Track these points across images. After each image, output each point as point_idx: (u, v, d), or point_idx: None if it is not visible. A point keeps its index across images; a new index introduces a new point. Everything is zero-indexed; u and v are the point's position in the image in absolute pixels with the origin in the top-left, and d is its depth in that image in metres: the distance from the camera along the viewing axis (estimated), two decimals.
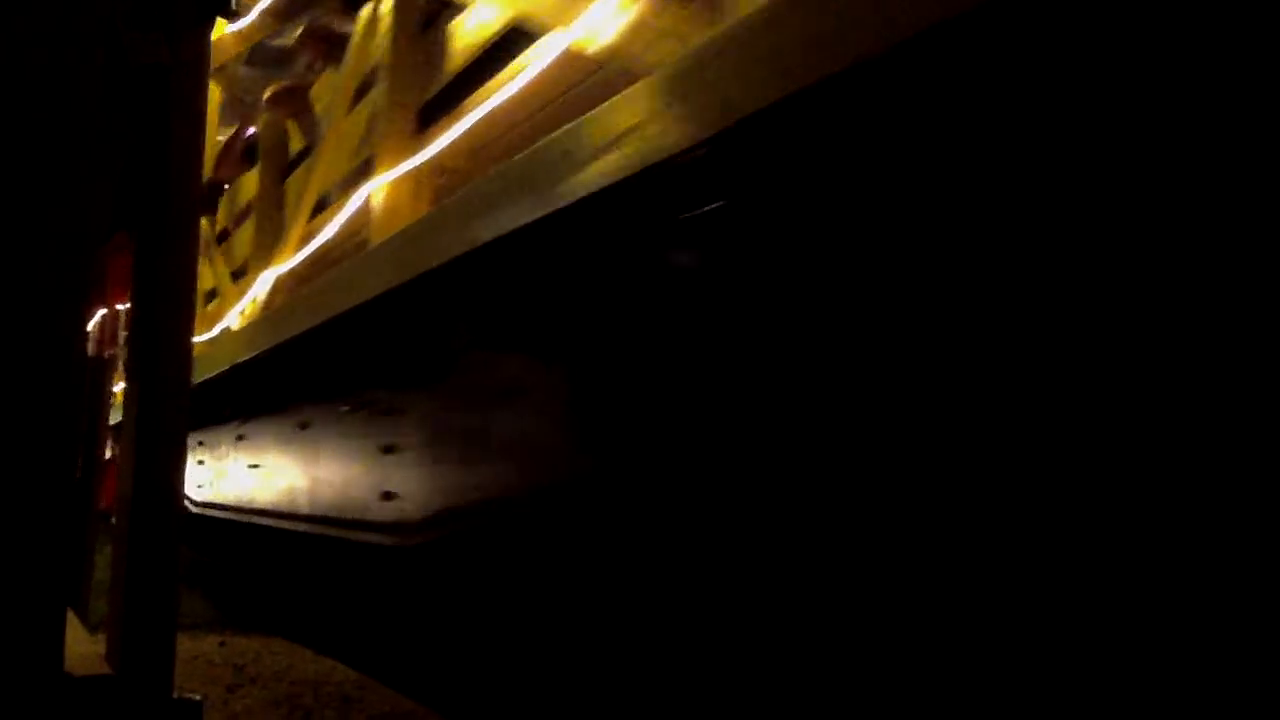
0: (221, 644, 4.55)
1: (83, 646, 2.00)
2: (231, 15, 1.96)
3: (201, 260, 5.68)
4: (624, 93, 1.82)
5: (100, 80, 1.58)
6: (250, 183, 5.66)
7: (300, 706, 3.44)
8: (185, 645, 4.44)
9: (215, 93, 6.80)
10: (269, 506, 4.24)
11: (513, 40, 2.96)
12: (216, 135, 6.98)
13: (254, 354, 4.21)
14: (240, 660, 4.20)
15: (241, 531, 5.01)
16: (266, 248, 4.92)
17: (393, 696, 3.60)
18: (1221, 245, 1.26)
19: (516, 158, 2.16)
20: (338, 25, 4.72)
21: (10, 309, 1.40)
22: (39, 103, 1.53)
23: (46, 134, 1.52)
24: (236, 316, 5.22)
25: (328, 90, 4.33)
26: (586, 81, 2.60)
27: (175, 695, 1.69)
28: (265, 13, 5.48)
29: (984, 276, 1.47)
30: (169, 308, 1.82)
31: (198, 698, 1.70)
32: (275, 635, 4.80)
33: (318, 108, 4.54)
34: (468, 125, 2.88)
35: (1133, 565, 1.41)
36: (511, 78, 2.81)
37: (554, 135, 1.98)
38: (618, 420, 1.98)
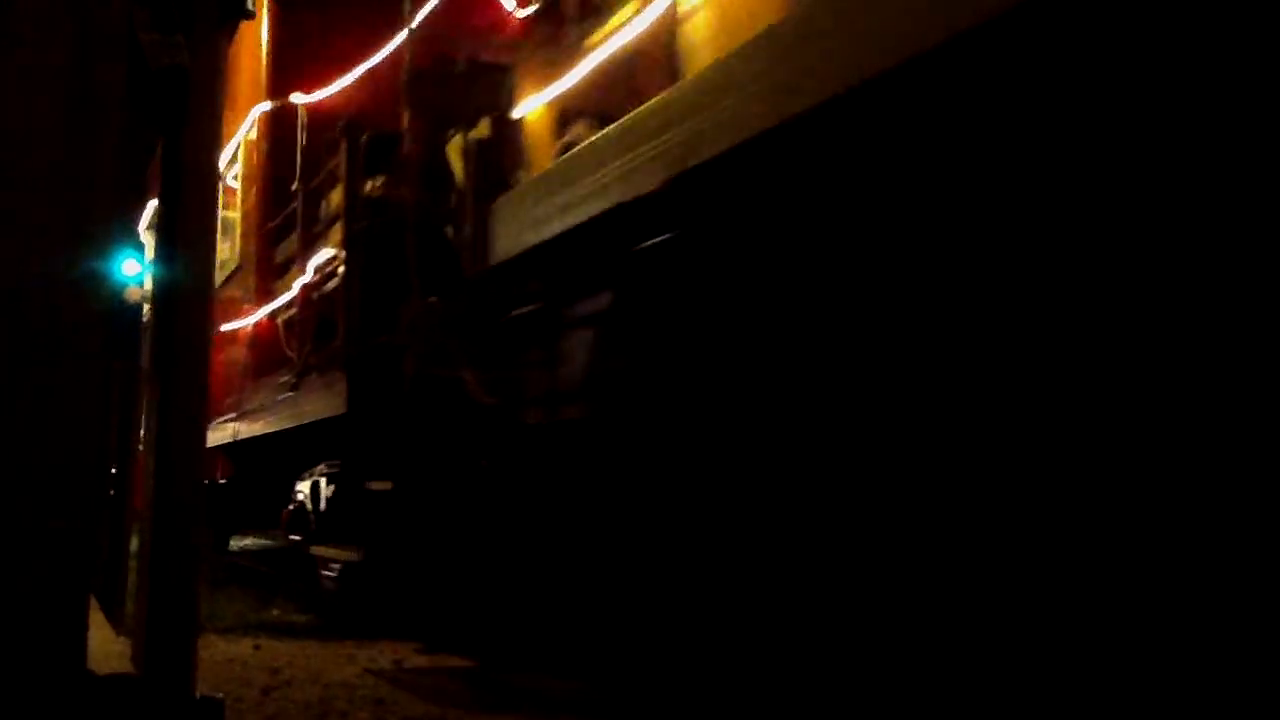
0: (256, 647, 4.58)
1: (111, 647, 2.02)
2: (247, 15, 1.96)
3: None
4: None
5: (122, 84, 1.59)
6: None
7: (334, 710, 3.45)
8: (220, 648, 4.49)
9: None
10: None
11: None
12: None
13: None
14: (275, 663, 4.22)
15: None
16: None
17: (423, 701, 3.61)
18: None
19: None
20: None
21: (28, 303, 1.41)
22: (62, 107, 1.54)
23: (69, 139, 1.54)
24: None
25: None
26: None
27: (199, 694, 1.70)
28: None
29: None
30: (188, 311, 1.83)
31: (220, 696, 1.71)
32: (309, 639, 4.84)
33: None
34: None
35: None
36: None
37: None
38: None
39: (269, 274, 7.18)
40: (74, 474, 1.47)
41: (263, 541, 9.79)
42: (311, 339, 5.74)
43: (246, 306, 7.64)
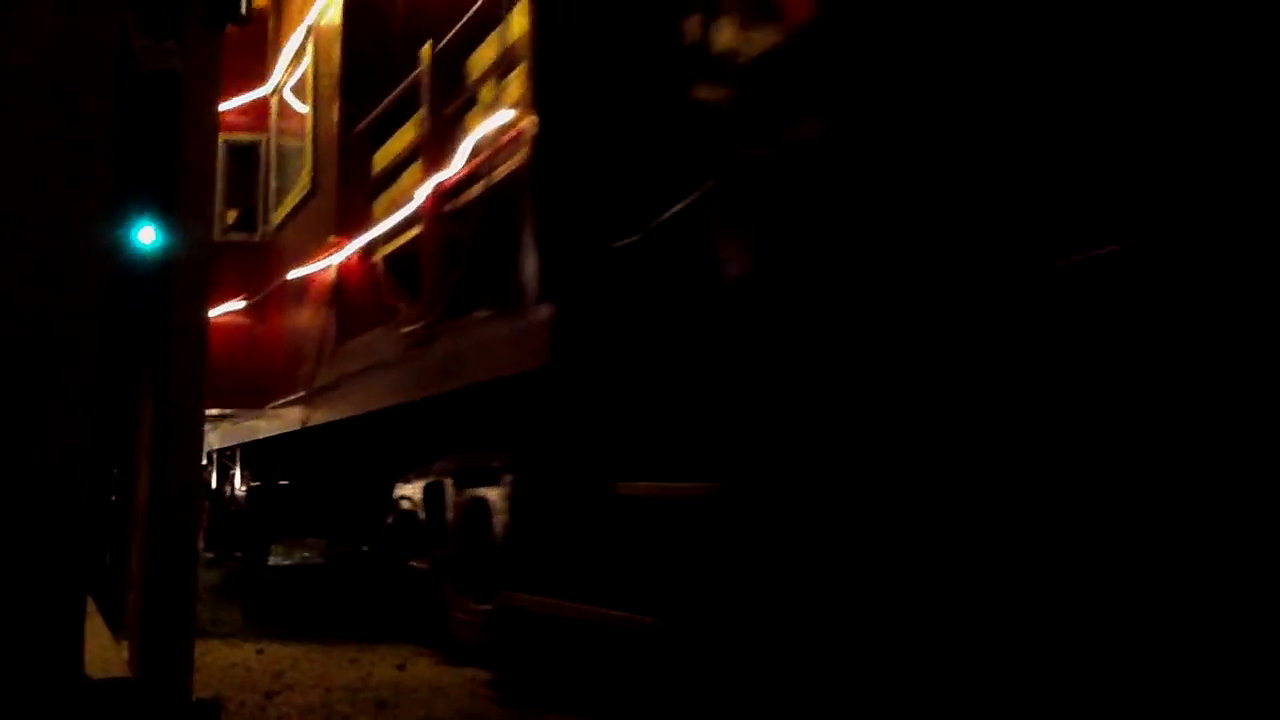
0: (259, 652, 4.59)
1: (109, 652, 2.02)
2: (242, 21, 1.95)
3: None
4: None
5: (112, 89, 1.59)
6: None
7: (336, 713, 3.46)
8: (224, 653, 4.50)
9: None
10: None
11: None
12: None
13: None
14: (278, 668, 4.23)
15: None
16: None
17: (426, 701, 3.61)
18: None
19: None
20: None
21: (19, 296, 1.41)
22: (54, 109, 1.54)
23: (60, 141, 1.53)
24: None
25: None
26: None
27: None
28: None
29: None
30: (185, 313, 1.83)
31: (217, 700, 1.70)
32: (312, 643, 4.83)
33: None
34: None
35: None
36: None
37: None
38: None
39: (358, 195, 5.10)
40: (68, 473, 1.47)
41: (315, 557, 8.09)
42: (465, 263, 3.90)
43: (324, 246, 5.46)
